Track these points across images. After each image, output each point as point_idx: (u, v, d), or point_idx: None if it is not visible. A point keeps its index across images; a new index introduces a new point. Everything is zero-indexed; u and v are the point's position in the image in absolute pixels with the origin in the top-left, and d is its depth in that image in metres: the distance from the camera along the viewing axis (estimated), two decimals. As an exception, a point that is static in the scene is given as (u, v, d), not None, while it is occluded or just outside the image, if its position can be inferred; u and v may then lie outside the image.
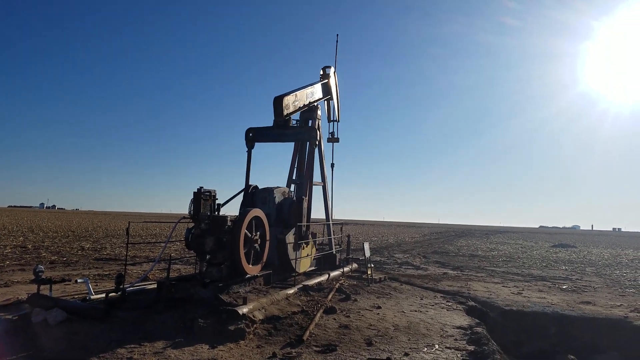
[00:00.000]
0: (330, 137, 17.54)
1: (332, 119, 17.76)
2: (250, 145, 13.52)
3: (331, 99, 17.27)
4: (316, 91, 15.25)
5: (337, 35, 18.67)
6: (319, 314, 8.88)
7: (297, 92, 13.77)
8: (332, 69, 17.33)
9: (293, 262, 12.04)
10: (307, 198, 13.74)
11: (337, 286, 12.20)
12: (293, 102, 13.41)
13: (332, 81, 17.15)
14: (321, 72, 16.85)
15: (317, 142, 14.19)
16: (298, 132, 14.24)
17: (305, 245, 12.89)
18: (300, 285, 11.09)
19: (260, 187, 12.99)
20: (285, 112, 12.89)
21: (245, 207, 12.11)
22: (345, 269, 15.22)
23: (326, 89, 16.48)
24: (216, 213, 9.67)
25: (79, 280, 10.04)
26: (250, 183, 13.08)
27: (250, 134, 13.50)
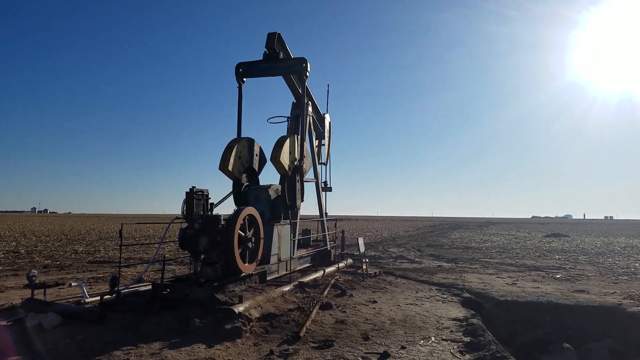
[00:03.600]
0: (323, 186, 17.59)
1: (321, 162, 17.88)
2: (240, 81, 13.60)
3: (323, 141, 17.74)
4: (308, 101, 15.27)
5: (328, 85, 18.97)
6: (315, 310, 8.90)
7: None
8: (328, 116, 18.01)
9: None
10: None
11: (332, 282, 12.23)
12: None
13: (327, 125, 17.80)
14: None
15: (307, 74, 13.94)
16: (288, 64, 13.93)
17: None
18: (296, 282, 11.11)
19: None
20: (276, 48, 13.09)
21: (238, 204, 12.14)
22: (341, 265, 15.27)
23: (320, 119, 16.98)
24: (209, 212, 9.66)
25: (73, 284, 10.03)
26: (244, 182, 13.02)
27: (240, 70, 13.56)
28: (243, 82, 13.64)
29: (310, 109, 15.38)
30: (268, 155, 12.81)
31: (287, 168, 12.49)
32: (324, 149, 18.07)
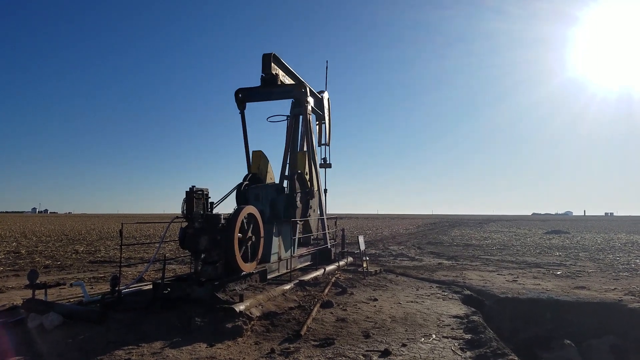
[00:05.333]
0: (322, 162, 17.58)
1: (322, 142, 17.86)
2: (241, 107, 13.62)
3: (323, 121, 17.54)
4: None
5: (327, 61, 18.90)
6: (315, 309, 8.91)
7: (287, 75, 13.91)
8: (326, 94, 17.74)
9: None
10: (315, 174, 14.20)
11: (333, 280, 12.23)
12: (282, 75, 13.58)
13: (325, 104, 17.47)
14: None
15: (307, 100, 13.96)
16: (287, 89, 14.05)
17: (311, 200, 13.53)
18: (297, 281, 11.12)
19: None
20: (273, 71, 12.99)
21: (239, 203, 12.18)
22: (341, 263, 15.26)
23: (319, 105, 16.68)
24: (209, 212, 9.66)
25: (74, 284, 10.03)
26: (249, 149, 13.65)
27: (240, 95, 13.56)
28: (244, 107, 13.63)
29: (309, 107, 15.38)
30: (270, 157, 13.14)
31: (305, 165, 13.20)
32: (325, 129, 17.94)
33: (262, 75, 13.13)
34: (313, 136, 16.15)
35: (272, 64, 13.00)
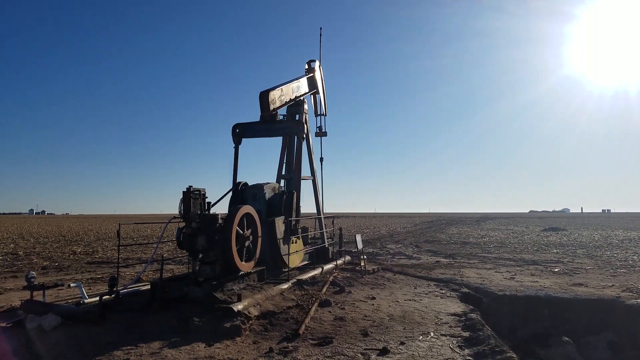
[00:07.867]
0: (317, 131, 17.55)
1: (319, 113, 17.75)
2: (237, 142, 13.52)
3: (317, 92, 17.24)
4: (302, 85, 15.23)
5: (321, 28, 18.65)
6: (314, 308, 8.92)
7: (283, 87, 13.74)
8: (317, 63, 17.31)
9: (285, 258, 12.05)
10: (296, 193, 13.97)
11: (330, 279, 12.24)
12: (279, 97, 13.39)
13: (318, 75, 17.15)
14: (306, 66, 16.84)
15: (304, 136, 14.15)
16: (285, 126, 14.25)
17: (295, 240, 13.02)
18: (294, 280, 11.12)
19: (249, 184, 13.00)
20: (271, 107, 12.85)
21: (235, 205, 12.14)
22: (339, 262, 15.27)
23: (312, 83, 16.47)
24: (206, 212, 9.66)
25: (72, 285, 10.01)
26: (238, 180, 13.12)
27: (237, 130, 13.47)
28: (239, 142, 13.60)
29: (305, 106, 15.39)
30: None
31: None
32: (319, 99, 17.76)
33: (261, 115, 13.19)
34: (313, 155, 16.11)
35: (269, 95, 12.90)
